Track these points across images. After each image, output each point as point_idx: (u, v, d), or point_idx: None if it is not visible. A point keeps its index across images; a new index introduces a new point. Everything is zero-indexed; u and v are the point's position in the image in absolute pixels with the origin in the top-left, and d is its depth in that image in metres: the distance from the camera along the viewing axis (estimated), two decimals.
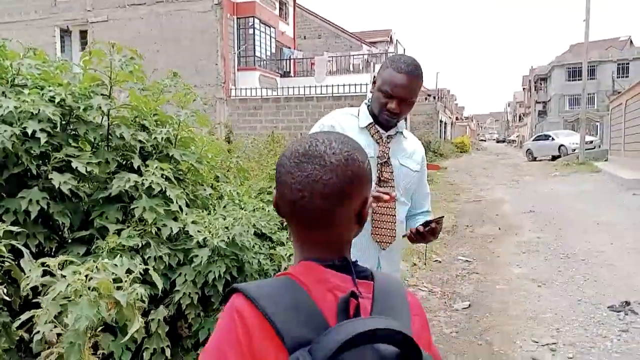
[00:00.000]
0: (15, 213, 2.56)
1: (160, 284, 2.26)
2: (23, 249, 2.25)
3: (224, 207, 3.53)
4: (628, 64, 42.07)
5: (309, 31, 30.71)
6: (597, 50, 41.75)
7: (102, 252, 2.61)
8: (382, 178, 1.95)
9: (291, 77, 22.71)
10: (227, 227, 3.05)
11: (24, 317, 1.81)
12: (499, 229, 8.39)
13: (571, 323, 4.17)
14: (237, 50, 19.90)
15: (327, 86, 17.31)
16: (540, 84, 51.46)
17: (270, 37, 21.98)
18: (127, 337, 1.89)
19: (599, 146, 25.60)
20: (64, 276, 1.70)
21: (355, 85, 16.78)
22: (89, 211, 2.94)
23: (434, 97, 40.40)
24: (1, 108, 2.53)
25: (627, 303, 4.48)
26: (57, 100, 2.78)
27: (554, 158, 24.61)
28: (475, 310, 4.58)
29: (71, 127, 2.92)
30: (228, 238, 2.97)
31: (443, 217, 1.89)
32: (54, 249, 2.79)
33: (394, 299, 0.86)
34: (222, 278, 2.94)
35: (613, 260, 6.01)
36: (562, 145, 25.01)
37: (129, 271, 1.95)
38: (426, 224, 1.83)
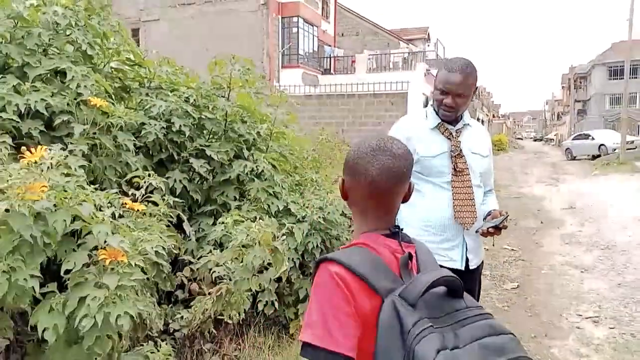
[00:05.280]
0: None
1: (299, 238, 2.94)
2: (182, 214, 2.93)
3: (312, 191, 4.16)
4: None
5: (347, 29, 31.20)
6: None
7: (228, 223, 3.27)
8: (457, 169, 2.22)
9: (332, 74, 23.28)
10: (321, 207, 3.68)
11: (203, 261, 2.47)
12: (541, 222, 8.80)
13: (612, 302, 4.66)
14: (281, 48, 20.61)
15: (367, 84, 17.74)
16: (580, 83, 50.62)
17: (313, 35, 22.63)
18: (277, 274, 2.53)
19: None
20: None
21: (395, 82, 17.10)
22: (209, 190, 3.61)
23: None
24: (155, 107, 3.21)
25: None
26: (190, 101, 3.47)
27: (593, 157, 24.46)
28: (524, 290, 5.10)
29: (200, 122, 3.59)
30: (323, 215, 3.60)
31: (508, 215, 2.17)
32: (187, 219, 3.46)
33: (427, 257, 1.18)
34: (318, 247, 3.58)
35: None
36: (602, 144, 24.82)
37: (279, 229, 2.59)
38: (496, 227, 2.11)
